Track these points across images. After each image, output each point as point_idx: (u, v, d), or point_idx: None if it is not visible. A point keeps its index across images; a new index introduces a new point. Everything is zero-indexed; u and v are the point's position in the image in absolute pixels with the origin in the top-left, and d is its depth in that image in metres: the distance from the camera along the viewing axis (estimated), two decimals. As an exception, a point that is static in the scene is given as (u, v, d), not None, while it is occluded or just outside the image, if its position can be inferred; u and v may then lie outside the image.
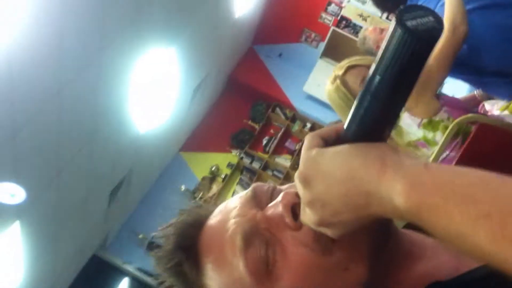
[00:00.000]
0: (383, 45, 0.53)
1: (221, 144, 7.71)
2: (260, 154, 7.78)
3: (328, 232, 0.61)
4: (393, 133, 2.13)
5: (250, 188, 0.73)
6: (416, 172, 0.52)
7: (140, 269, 6.86)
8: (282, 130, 7.92)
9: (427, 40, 0.50)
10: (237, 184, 7.50)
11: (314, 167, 0.58)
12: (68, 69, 3.77)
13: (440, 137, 2.02)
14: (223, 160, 7.66)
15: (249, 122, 7.96)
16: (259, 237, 0.67)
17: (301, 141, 7.81)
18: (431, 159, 1.96)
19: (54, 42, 3.39)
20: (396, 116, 0.57)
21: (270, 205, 0.69)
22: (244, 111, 7.98)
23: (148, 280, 6.81)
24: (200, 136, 7.80)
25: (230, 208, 0.73)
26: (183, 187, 7.30)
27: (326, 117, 7.12)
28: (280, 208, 0.67)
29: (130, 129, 5.40)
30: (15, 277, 4.75)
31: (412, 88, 0.54)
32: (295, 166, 7.69)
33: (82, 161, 4.80)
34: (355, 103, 0.58)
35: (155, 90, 5.52)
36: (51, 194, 4.54)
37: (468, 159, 1.91)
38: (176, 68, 5.76)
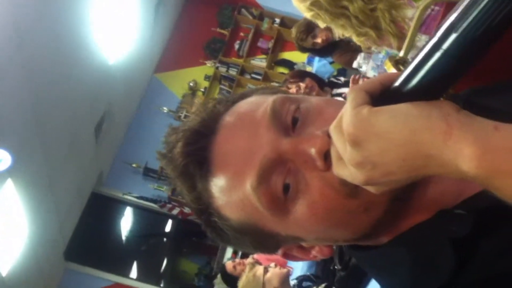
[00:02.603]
0: (464, 3, 0.46)
1: (194, 57, 7.53)
2: (234, 59, 7.63)
3: (372, 189, 0.58)
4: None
5: (269, 105, 0.67)
6: (486, 134, 0.48)
7: (140, 197, 6.93)
8: (252, 30, 7.71)
9: None
10: (218, 94, 7.42)
11: (367, 128, 0.52)
12: (23, 20, 3.58)
13: None
14: (200, 73, 7.51)
15: (218, 30, 7.71)
16: (280, 168, 0.63)
17: (272, 38, 7.65)
18: (416, 15, 1.89)
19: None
20: (463, 75, 0.51)
21: (300, 140, 0.63)
22: (210, 19, 7.72)
23: (150, 205, 6.94)
24: (172, 54, 7.60)
25: (248, 122, 0.67)
26: (165, 109, 7.21)
27: (294, 9, 6.90)
28: (312, 153, 0.61)
29: (99, 63, 5.28)
30: (21, 230, 4.79)
31: (492, 47, 0.48)
32: (271, 64, 7.60)
33: (59, 106, 4.72)
34: (418, 57, 0.51)
35: (115, 16, 5.30)
36: (36, 145, 4.48)
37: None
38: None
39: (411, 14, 2.05)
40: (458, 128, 0.49)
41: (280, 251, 0.73)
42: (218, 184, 0.67)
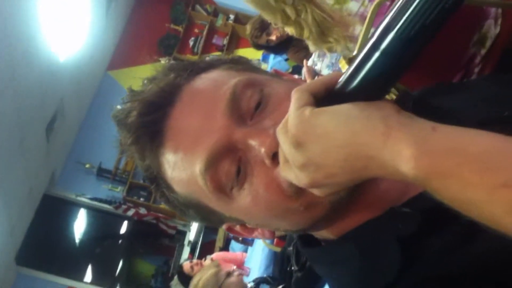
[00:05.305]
0: (399, 3, 0.47)
1: (148, 54, 7.42)
2: (189, 56, 7.55)
3: (316, 191, 0.58)
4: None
5: (230, 90, 0.65)
6: (424, 135, 0.48)
7: (94, 198, 6.82)
8: (207, 27, 7.66)
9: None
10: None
11: (309, 129, 0.53)
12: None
13: None
14: (154, 70, 7.40)
15: (172, 26, 7.63)
16: (231, 156, 0.64)
17: (227, 35, 7.62)
18: (368, 15, 1.88)
19: None
20: (403, 74, 0.51)
21: (252, 133, 0.63)
22: (163, 15, 7.63)
23: (104, 206, 6.82)
24: (125, 51, 7.46)
25: (205, 102, 0.66)
26: (119, 107, 7.08)
27: (247, 5, 6.89)
28: (261, 152, 0.61)
29: (49, 60, 5.14)
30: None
31: (427, 45, 0.49)
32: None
33: (8, 105, 4.56)
34: (358, 58, 0.52)
35: (65, 13, 5.16)
36: (-17, 146, 4.31)
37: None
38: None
39: (356, 8, 2.04)
40: (396, 130, 0.49)
41: (224, 226, 0.75)
42: (168, 159, 0.67)
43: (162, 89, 0.68)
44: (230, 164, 0.64)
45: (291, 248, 1.00)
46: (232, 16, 7.66)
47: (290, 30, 2.13)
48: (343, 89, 0.55)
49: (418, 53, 0.50)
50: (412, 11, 0.46)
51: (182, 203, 0.71)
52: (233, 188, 0.65)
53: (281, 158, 0.59)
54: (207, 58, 0.76)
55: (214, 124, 0.64)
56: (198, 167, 0.64)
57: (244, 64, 0.74)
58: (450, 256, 0.59)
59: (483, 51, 1.80)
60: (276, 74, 0.76)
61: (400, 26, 0.47)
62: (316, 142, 0.53)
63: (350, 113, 0.52)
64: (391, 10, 0.48)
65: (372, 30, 1.98)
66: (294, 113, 0.54)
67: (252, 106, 0.65)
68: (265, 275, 2.85)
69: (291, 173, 0.57)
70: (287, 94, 0.63)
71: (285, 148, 0.56)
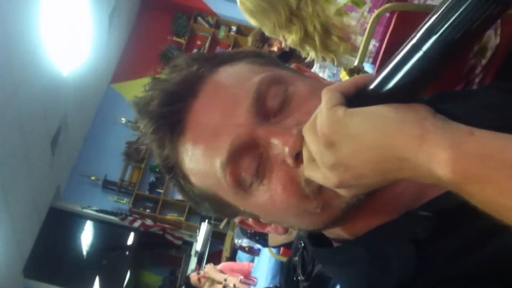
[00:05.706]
0: (444, 5, 0.46)
1: (151, 66, 7.44)
2: (192, 68, 7.58)
3: (343, 192, 0.58)
4: (321, 3, 2.08)
5: (254, 87, 0.65)
6: (461, 139, 0.47)
7: (100, 210, 6.82)
8: (209, 39, 7.72)
9: (506, 3, 0.44)
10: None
11: (342, 129, 0.52)
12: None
13: None
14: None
15: (174, 38, 7.68)
16: (252, 152, 0.63)
17: (229, 46, 7.65)
18: (369, 24, 1.91)
19: None
20: (438, 77, 0.51)
21: (275, 132, 0.63)
22: (166, 27, 7.68)
23: (111, 218, 6.84)
24: (128, 64, 7.51)
25: (229, 97, 0.65)
26: (123, 120, 7.11)
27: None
28: (285, 151, 0.61)
29: (52, 74, 5.17)
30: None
31: (467, 49, 0.49)
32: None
33: (12, 119, 4.58)
34: (395, 59, 0.51)
35: (68, 28, 5.20)
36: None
37: (392, 49, 1.89)
38: (85, -1, 5.41)
39: (356, 19, 2.07)
40: (433, 132, 0.48)
41: (236, 219, 0.75)
42: (187, 151, 0.67)
43: (185, 80, 0.67)
44: (251, 160, 0.64)
45: (296, 258, 1.01)
46: (234, 28, 7.71)
47: (294, 34, 2.16)
48: (377, 90, 0.54)
49: (458, 57, 0.49)
50: (459, 15, 0.46)
51: (197, 195, 0.71)
52: (252, 184, 0.64)
53: (306, 158, 0.58)
54: (230, 50, 0.75)
55: (237, 119, 0.64)
56: (218, 160, 0.64)
57: (267, 58, 0.73)
58: (467, 256, 0.59)
59: (483, 62, 1.82)
60: (298, 70, 0.75)
61: (446, 29, 0.47)
62: (348, 143, 0.52)
63: (385, 114, 0.51)
64: (435, 12, 0.48)
65: (372, 40, 2.03)
66: (326, 113, 0.53)
67: (276, 104, 0.64)
68: (272, 285, 2.86)
69: (317, 173, 0.57)
70: (311, 93, 0.65)
71: (313, 148, 0.55)
